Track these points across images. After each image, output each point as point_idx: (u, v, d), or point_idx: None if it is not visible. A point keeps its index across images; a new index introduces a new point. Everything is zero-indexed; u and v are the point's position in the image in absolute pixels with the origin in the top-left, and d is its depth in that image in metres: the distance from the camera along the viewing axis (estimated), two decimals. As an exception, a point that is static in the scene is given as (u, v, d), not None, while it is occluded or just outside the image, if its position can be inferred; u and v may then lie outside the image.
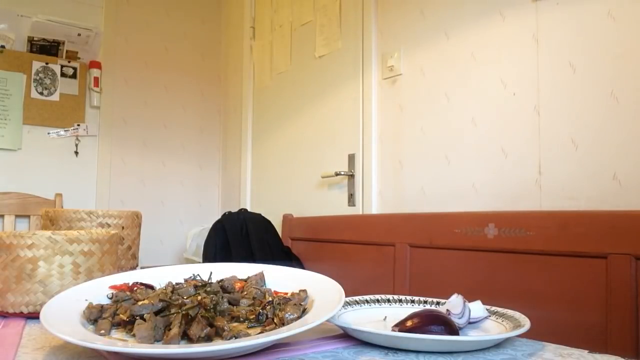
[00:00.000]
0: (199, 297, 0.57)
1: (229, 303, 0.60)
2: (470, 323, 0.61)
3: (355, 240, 1.84)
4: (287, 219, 2.24)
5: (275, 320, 0.55)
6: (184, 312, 0.53)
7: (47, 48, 2.73)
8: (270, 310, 0.57)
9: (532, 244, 1.31)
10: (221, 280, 0.66)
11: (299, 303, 0.58)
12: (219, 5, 3.36)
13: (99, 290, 0.64)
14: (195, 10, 3.30)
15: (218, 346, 0.46)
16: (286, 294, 0.64)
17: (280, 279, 0.69)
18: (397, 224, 1.68)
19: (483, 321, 0.63)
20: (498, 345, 0.55)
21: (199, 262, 1.27)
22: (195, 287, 0.62)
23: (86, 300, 0.60)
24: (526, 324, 0.56)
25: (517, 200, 1.49)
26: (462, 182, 1.64)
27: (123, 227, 0.88)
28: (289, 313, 0.55)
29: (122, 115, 3.04)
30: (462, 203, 1.63)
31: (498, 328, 0.60)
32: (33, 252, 0.67)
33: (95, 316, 0.57)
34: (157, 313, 0.55)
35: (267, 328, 0.54)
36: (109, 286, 0.65)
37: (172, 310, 0.55)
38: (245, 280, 0.68)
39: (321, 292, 0.60)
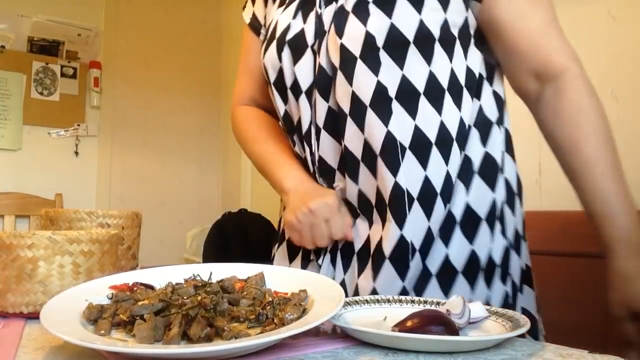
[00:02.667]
0: (199, 297, 0.57)
1: (229, 303, 0.60)
2: (470, 323, 0.61)
3: (355, 240, 1.84)
4: (287, 219, 2.24)
5: (275, 321, 0.55)
6: (184, 312, 0.53)
7: (47, 48, 2.73)
8: (270, 310, 0.57)
9: (532, 244, 1.31)
10: (221, 280, 0.66)
11: (299, 303, 0.58)
12: (219, 5, 3.36)
13: (99, 290, 0.64)
14: (195, 10, 3.30)
15: (218, 346, 0.46)
16: (286, 294, 0.64)
17: (280, 279, 0.69)
18: (397, 224, 1.68)
19: (483, 321, 0.63)
20: (498, 345, 0.55)
21: (199, 262, 1.26)
22: (195, 287, 0.62)
23: (86, 300, 0.60)
24: (526, 324, 0.56)
25: (517, 200, 1.49)
26: (462, 182, 1.64)
27: (123, 227, 0.88)
28: (289, 313, 0.55)
29: (122, 115, 3.03)
30: (462, 203, 1.63)
31: (498, 328, 0.60)
32: (33, 252, 0.67)
33: (95, 316, 0.57)
34: (157, 313, 0.55)
35: (267, 328, 0.54)
36: (109, 286, 0.65)
37: (172, 311, 0.55)
38: (246, 281, 0.68)
39: (321, 292, 0.60)
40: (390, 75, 0.72)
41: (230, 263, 0.73)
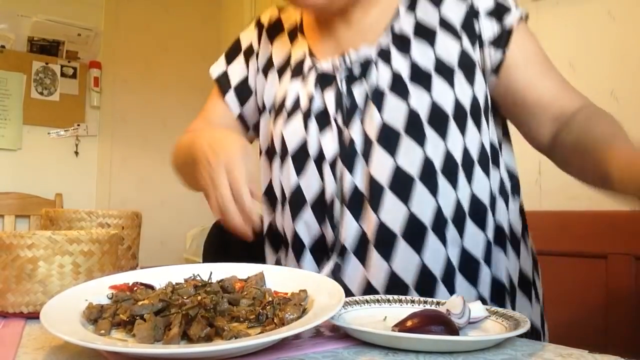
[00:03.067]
0: (199, 297, 0.57)
1: (229, 303, 0.60)
2: (470, 323, 0.61)
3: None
4: (287, 219, 2.23)
5: (275, 320, 0.55)
6: (184, 312, 0.53)
7: (47, 48, 2.74)
8: (270, 310, 0.57)
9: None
10: (221, 280, 0.66)
11: (299, 303, 0.58)
12: (219, 5, 3.36)
13: (99, 290, 0.64)
14: (195, 10, 3.30)
15: (218, 346, 0.46)
16: (286, 294, 0.64)
17: (281, 279, 0.69)
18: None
19: (483, 321, 0.63)
20: (498, 345, 0.55)
21: (199, 262, 1.26)
22: (195, 287, 0.63)
23: (86, 300, 0.60)
24: (526, 324, 0.56)
25: (517, 200, 1.49)
26: (462, 182, 1.64)
27: (123, 227, 0.88)
28: (289, 313, 0.55)
29: (122, 115, 3.03)
30: (462, 203, 1.63)
31: (498, 328, 0.60)
32: (33, 252, 0.67)
33: (95, 316, 0.57)
34: (157, 313, 0.55)
35: (267, 328, 0.54)
36: (109, 286, 0.65)
37: (172, 310, 0.55)
38: (246, 281, 0.68)
39: (321, 292, 0.60)
40: (435, 148, 0.74)
41: (230, 263, 0.73)
